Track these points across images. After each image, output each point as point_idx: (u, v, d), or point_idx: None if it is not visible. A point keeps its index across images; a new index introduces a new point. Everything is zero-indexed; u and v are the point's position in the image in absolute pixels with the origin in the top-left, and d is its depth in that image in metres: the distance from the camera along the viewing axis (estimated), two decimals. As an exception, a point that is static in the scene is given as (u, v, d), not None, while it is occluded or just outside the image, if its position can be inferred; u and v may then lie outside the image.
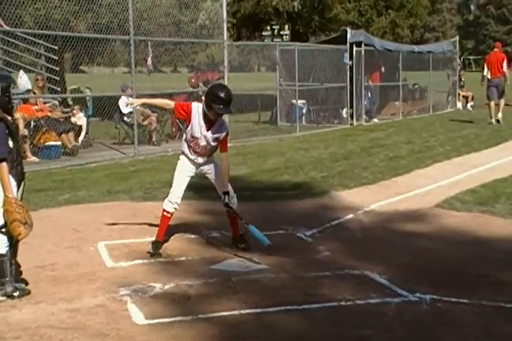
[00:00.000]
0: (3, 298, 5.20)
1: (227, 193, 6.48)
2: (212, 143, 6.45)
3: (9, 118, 5.24)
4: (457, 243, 7.00)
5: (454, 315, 5.01)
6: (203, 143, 6.42)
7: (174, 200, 6.53)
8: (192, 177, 6.64)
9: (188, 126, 6.46)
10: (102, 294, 5.39)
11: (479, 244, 6.96)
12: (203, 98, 6.48)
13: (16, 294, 5.23)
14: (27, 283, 5.43)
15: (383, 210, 8.50)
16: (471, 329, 4.76)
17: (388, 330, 4.73)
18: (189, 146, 6.50)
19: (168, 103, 6.74)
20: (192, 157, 6.52)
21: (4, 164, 5.05)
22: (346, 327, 4.80)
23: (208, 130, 6.39)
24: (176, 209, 6.59)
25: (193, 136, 6.43)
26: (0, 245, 5.18)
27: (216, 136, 6.42)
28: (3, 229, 5.16)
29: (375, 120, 21.46)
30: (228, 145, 6.64)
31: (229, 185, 6.58)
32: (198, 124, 6.38)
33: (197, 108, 6.41)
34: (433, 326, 4.82)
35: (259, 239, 6.43)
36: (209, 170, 6.63)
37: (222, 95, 6.25)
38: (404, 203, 8.89)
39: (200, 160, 6.53)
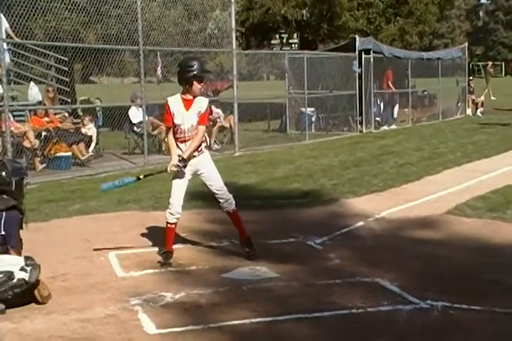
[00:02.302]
0: None
1: (181, 157, 6.44)
2: (196, 120, 6.48)
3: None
4: (468, 249, 6.98)
5: (466, 322, 4.98)
6: (187, 125, 6.45)
7: (175, 211, 6.56)
8: (189, 180, 6.61)
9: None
10: (113, 304, 5.40)
11: (490, 251, 6.93)
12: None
13: None
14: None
15: (394, 217, 8.49)
16: (484, 337, 4.74)
17: (399, 338, 4.71)
18: (176, 139, 6.52)
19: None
20: (182, 148, 6.49)
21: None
22: (357, 335, 4.79)
23: (187, 110, 6.47)
24: (178, 218, 6.60)
25: (175, 124, 6.48)
26: (15, 268, 5.24)
27: (198, 109, 6.49)
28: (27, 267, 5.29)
29: (385, 127, 21.44)
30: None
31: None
32: (179, 111, 6.46)
33: (173, 99, 6.55)
34: (445, 333, 4.79)
35: (121, 184, 6.85)
36: (204, 172, 6.59)
37: (194, 62, 6.47)
38: (414, 210, 8.87)
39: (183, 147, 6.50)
